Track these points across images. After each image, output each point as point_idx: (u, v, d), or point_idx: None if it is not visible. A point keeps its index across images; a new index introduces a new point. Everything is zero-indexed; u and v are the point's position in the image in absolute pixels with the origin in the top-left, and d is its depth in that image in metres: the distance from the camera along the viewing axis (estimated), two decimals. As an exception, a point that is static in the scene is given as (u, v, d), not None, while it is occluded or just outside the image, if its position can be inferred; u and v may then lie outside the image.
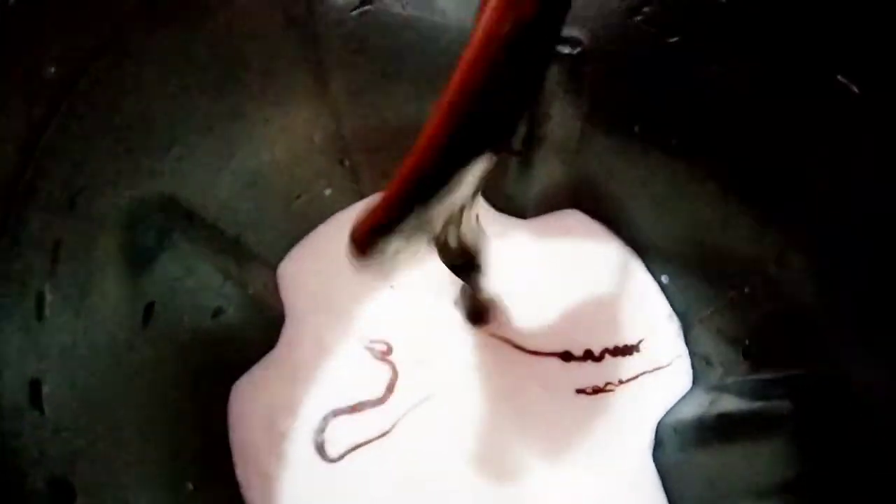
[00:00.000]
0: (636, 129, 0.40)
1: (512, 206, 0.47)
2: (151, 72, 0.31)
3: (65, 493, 0.25)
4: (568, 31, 0.36)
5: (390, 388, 0.41)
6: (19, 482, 0.23)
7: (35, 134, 0.26)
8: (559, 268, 0.46)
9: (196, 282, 0.36)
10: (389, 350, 0.42)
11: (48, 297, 0.27)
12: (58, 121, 0.27)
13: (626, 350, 0.43)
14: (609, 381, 0.42)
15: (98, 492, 0.27)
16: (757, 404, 0.36)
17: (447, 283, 0.41)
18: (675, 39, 0.34)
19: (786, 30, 0.29)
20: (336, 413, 0.41)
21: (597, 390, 0.42)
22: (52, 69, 0.26)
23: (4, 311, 0.25)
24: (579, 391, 0.42)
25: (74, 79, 0.27)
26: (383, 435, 0.40)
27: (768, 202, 0.35)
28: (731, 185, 0.37)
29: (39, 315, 0.26)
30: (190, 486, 0.35)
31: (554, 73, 0.39)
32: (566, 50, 0.37)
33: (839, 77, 0.28)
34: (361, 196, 0.48)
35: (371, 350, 0.42)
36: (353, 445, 0.40)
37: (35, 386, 0.25)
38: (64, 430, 0.26)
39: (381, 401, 0.41)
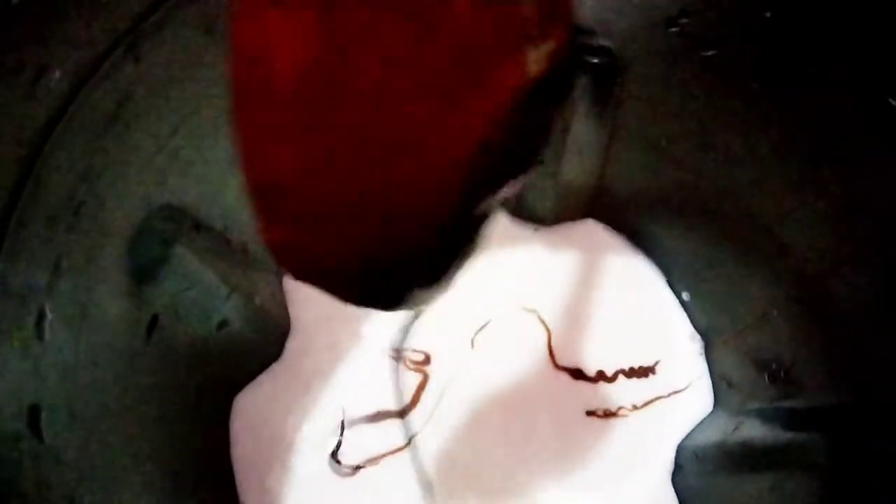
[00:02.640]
0: (663, 142, 0.38)
1: (529, 213, 0.45)
2: (158, 77, 0.29)
3: (65, 530, 0.24)
4: (599, 41, 0.35)
5: (414, 401, 0.40)
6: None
7: (37, 143, 0.24)
8: (575, 280, 0.44)
9: (201, 293, 0.35)
10: (427, 360, 0.41)
11: (48, 315, 0.25)
12: (61, 128, 0.25)
13: (641, 372, 0.42)
14: (622, 405, 0.40)
15: (100, 524, 0.25)
16: (785, 434, 0.35)
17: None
18: (711, 53, 0.32)
19: (835, 48, 0.28)
20: (351, 423, 0.39)
21: (608, 414, 0.40)
22: (57, 74, 0.24)
23: (2, 331, 0.23)
24: (590, 413, 0.40)
25: (80, 83, 0.26)
26: (398, 449, 0.39)
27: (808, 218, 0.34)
28: (762, 204, 0.36)
29: (39, 335, 0.25)
30: (192, 506, 0.33)
31: (581, 83, 0.37)
32: (595, 60, 0.36)
33: (891, 100, 0.27)
34: (371, 203, 0.46)
35: (399, 359, 0.41)
36: (368, 458, 0.39)
37: (34, 412, 0.24)
38: (65, 458, 0.25)
39: (400, 414, 0.39)
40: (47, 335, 0.25)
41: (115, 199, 0.28)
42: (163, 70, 0.28)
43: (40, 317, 0.25)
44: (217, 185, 0.35)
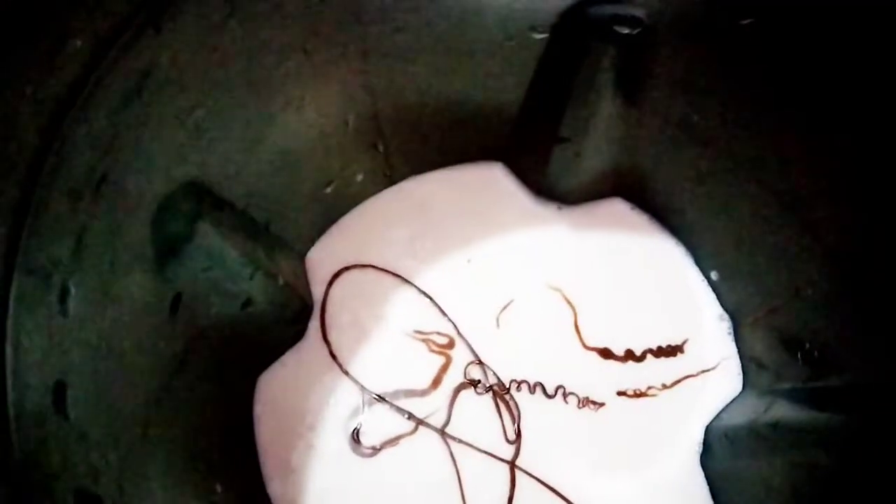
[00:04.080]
0: (695, 118, 0.37)
1: (554, 192, 0.44)
2: (182, 48, 0.28)
3: (92, 507, 0.24)
4: (628, 10, 0.34)
5: (436, 382, 0.39)
6: (44, 495, 0.22)
7: (58, 114, 0.24)
8: (601, 259, 0.43)
9: (225, 271, 0.34)
10: (451, 343, 0.40)
11: (72, 291, 0.25)
12: (82, 100, 0.25)
13: (669, 351, 0.41)
14: (651, 385, 0.40)
15: (125, 502, 0.25)
16: (816, 414, 0.34)
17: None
18: (748, 21, 0.31)
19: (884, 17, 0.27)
20: (374, 401, 0.39)
21: (638, 394, 0.40)
22: (78, 42, 0.24)
23: (27, 308, 0.23)
24: (620, 393, 0.40)
25: (100, 54, 0.25)
26: (419, 429, 0.39)
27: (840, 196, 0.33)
28: (798, 180, 0.34)
29: (63, 311, 0.24)
30: (218, 487, 0.33)
31: (609, 55, 0.36)
32: (625, 30, 0.35)
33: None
34: (392, 182, 0.46)
35: (423, 340, 0.40)
36: (389, 438, 0.38)
37: (60, 389, 0.24)
38: (90, 437, 0.24)
39: (424, 393, 0.39)
40: (71, 311, 0.25)
41: (138, 173, 0.28)
42: (184, 41, 0.28)
43: (64, 292, 0.25)
44: (240, 162, 0.35)
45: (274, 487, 0.37)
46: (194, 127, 0.31)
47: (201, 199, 0.32)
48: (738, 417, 0.38)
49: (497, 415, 0.39)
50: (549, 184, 0.44)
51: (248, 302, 0.37)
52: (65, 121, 0.24)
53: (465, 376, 0.40)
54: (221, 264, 0.34)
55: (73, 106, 0.24)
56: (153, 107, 0.28)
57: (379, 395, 0.39)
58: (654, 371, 0.40)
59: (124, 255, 0.28)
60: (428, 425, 0.39)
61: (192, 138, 0.31)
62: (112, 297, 0.27)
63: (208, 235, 0.33)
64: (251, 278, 0.36)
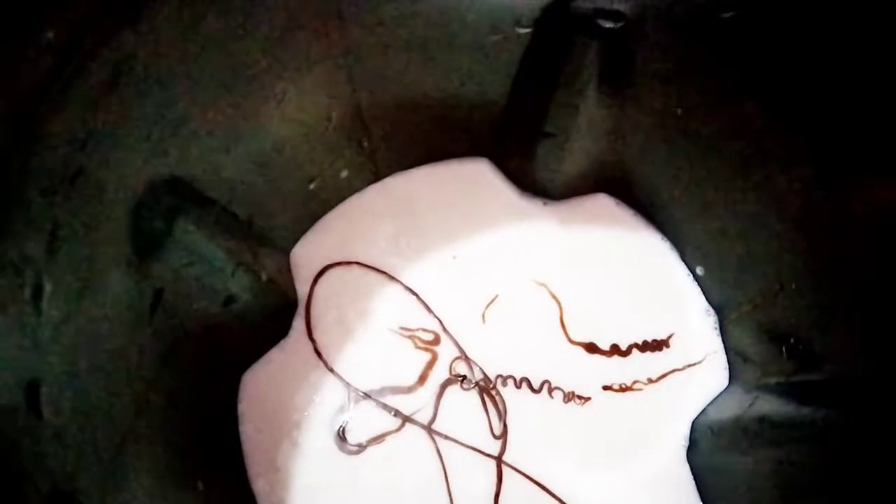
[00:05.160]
0: (679, 111, 0.37)
1: (539, 187, 0.44)
2: (159, 41, 0.28)
3: (67, 506, 0.23)
4: (611, 4, 0.34)
5: (423, 378, 0.39)
6: (18, 495, 0.21)
7: (31, 105, 0.23)
8: (586, 255, 0.43)
9: (207, 268, 0.34)
10: (437, 339, 0.40)
11: (46, 287, 0.25)
12: (56, 92, 0.24)
13: (655, 345, 0.41)
14: (637, 379, 0.40)
15: (103, 501, 0.25)
16: (803, 408, 0.34)
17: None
18: (729, 14, 0.31)
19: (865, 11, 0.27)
20: (359, 398, 0.39)
21: (624, 388, 0.40)
22: (50, 34, 0.23)
23: (-1, 304, 0.23)
24: (606, 388, 0.40)
25: (74, 45, 0.25)
26: (402, 427, 0.39)
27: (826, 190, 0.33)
28: (782, 175, 0.34)
29: (37, 308, 0.24)
30: (200, 485, 0.33)
31: (593, 49, 0.36)
32: (608, 24, 0.34)
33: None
34: (377, 179, 0.45)
35: (409, 337, 0.40)
36: (375, 435, 0.38)
37: (33, 387, 0.23)
38: (65, 436, 0.24)
39: (410, 390, 0.39)
40: (45, 308, 0.24)
41: (115, 168, 0.27)
42: (161, 34, 0.27)
43: (37, 290, 0.24)
44: (221, 157, 0.34)
45: (259, 485, 0.37)
46: (173, 121, 0.30)
47: (181, 194, 0.32)
48: (725, 412, 0.38)
49: (483, 410, 0.39)
50: (535, 179, 0.44)
51: (230, 299, 0.36)
52: (38, 113, 0.24)
53: (450, 372, 0.39)
54: (203, 261, 0.34)
55: (46, 98, 0.24)
56: (130, 100, 0.27)
57: (365, 393, 0.39)
58: (640, 365, 0.40)
59: (102, 252, 0.28)
60: (414, 422, 0.38)
61: (172, 133, 0.30)
62: (90, 295, 0.27)
63: (189, 231, 0.32)
64: (233, 275, 0.36)
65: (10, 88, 0.22)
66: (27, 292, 0.24)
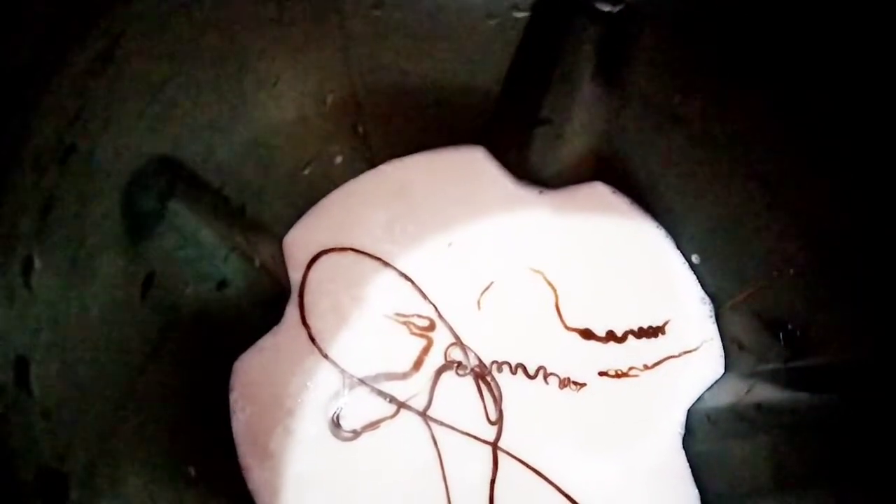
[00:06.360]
0: (677, 99, 0.37)
1: (535, 175, 0.44)
2: (152, 17, 0.27)
3: (57, 486, 0.23)
4: (611, -14, 0.33)
5: (418, 364, 0.39)
6: (6, 474, 0.21)
7: (23, 79, 0.23)
8: (582, 242, 0.43)
9: (199, 251, 0.34)
10: (432, 325, 0.40)
11: (37, 265, 0.24)
12: (48, 66, 0.24)
13: (651, 332, 0.41)
14: (633, 365, 0.40)
15: (93, 483, 0.24)
16: (799, 395, 0.34)
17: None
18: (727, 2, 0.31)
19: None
20: (354, 385, 0.38)
21: (620, 374, 0.39)
22: (43, 8, 0.23)
23: (-13, 279, 0.22)
24: (602, 374, 0.39)
25: (66, 21, 0.24)
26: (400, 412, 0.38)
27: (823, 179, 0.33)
28: (777, 163, 0.34)
29: (27, 283, 0.24)
30: (191, 470, 0.32)
31: (591, 34, 0.36)
32: (606, 8, 0.34)
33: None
34: (372, 165, 0.45)
35: (404, 323, 0.40)
36: (370, 422, 0.38)
37: (22, 364, 0.23)
38: (54, 415, 0.23)
39: (405, 376, 0.39)
40: (35, 285, 0.24)
41: (107, 146, 0.27)
42: (154, 10, 0.27)
43: (27, 266, 0.24)
44: (214, 140, 0.34)
45: (252, 472, 0.37)
46: (166, 101, 0.30)
47: (174, 176, 0.31)
48: (721, 399, 0.38)
49: (479, 396, 0.38)
50: (531, 167, 0.44)
51: (223, 284, 0.36)
52: (30, 88, 0.23)
53: (446, 358, 0.39)
54: (195, 244, 0.33)
55: (38, 72, 0.24)
56: (123, 77, 0.27)
57: (359, 379, 0.39)
58: (636, 352, 0.40)
59: (94, 231, 0.27)
60: (409, 408, 0.38)
61: (165, 113, 0.30)
62: (81, 274, 0.27)
63: (181, 214, 0.32)
64: (226, 260, 0.35)
65: (2, 62, 0.22)
66: (17, 267, 0.23)
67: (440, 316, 0.40)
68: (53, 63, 0.24)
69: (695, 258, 0.42)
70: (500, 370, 0.39)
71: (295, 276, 0.41)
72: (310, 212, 0.43)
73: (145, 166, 0.30)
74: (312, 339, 0.39)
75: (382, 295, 0.41)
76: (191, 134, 0.32)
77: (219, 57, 0.32)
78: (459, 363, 0.39)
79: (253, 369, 0.39)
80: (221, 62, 0.32)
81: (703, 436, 0.38)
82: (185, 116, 0.31)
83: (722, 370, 0.40)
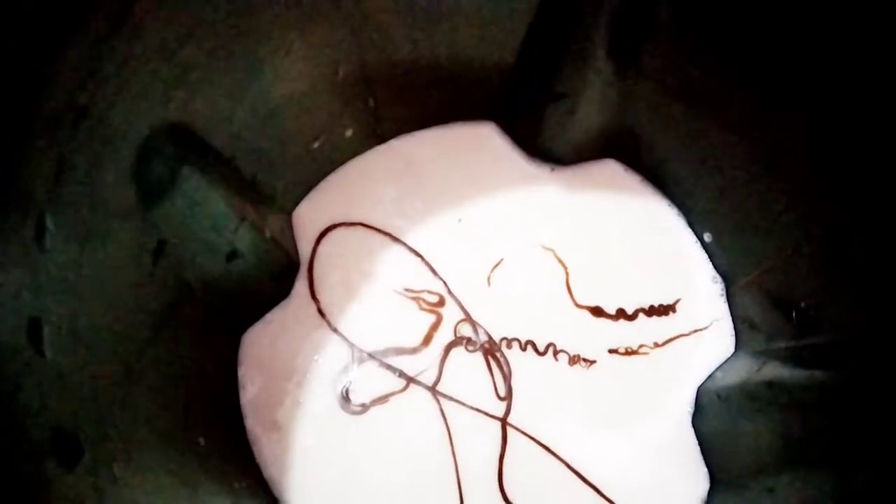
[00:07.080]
0: (691, 77, 0.37)
1: (546, 152, 0.44)
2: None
3: (70, 448, 0.23)
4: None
5: (427, 339, 0.39)
6: (20, 434, 0.21)
7: (37, 38, 0.22)
8: (593, 220, 0.43)
9: (211, 221, 0.33)
10: (441, 301, 0.40)
11: (50, 227, 0.24)
12: (63, 25, 0.24)
13: (661, 310, 0.40)
14: (643, 343, 0.39)
15: (105, 447, 0.24)
16: (810, 373, 0.34)
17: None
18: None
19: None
20: (363, 359, 0.38)
21: (630, 352, 0.39)
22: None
23: (1, 241, 0.22)
24: (612, 351, 0.39)
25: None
26: (407, 388, 0.38)
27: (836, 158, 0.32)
28: (790, 142, 0.34)
29: (40, 247, 0.23)
30: (202, 440, 0.32)
31: (606, 8, 0.35)
32: (624, -18, 0.34)
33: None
34: (381, 140, 0.45)
35: (414, 298, 0.39)
36: (379, 396, 0.38)
37: (35, 325, 0.23)
38: (67, 377, 0.23)
39: (414, 351, 0.38)
40: (48, 248, 0.24)
41: (120, 109, 0.26)
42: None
43: (40, 228, 0.23)
44: (226, 108, 0.34)
45: (260, 444, 0.37)
46: (180, 66, 0.29)
47: (186, 142, 0.31)
48: (731, 378, 0.38)
49: (488, 372, 0.38)
50: (542, 144, 0.44)
51: (233, 255, 0.36)
52: (44, 47, 0.23)
53: (455, 334, 0.39)
54: (206, 213, 0.33)
55: (52, 32, 0.23)
56: (138, 38, 0.26)
57: (369, 353, 0.39)
58: (646, 330, 0.39)
59: (106, 196, 0.27)
60: (419, 383, 0.38)
61: (178, 78, 0.30)
62: (92, 238, 0.26)
63: (192, 181, 0.32)
64: (236, 231, 0.35)
65: (16, 22, 0.22)
66: (30, 229, 0.23)
67: (450, 292, 0.40)
68: (68, 23, 0.24)
69: (707, 236, 0.42)
70: (509, 347, 0.39)
71: (304, 250, 0.41)
72: (319, 186, 0.43)
73: (158, 131, 0.29)
74: (322, 313, 0.39)
75: (392, 270, 0.41)
76: (204, 101, 0.32)
77: (233, 23, 0.31)
78: (469, 339, 0.39)
79: (262, 342, 0.39)
80: (236, 28, 0.32)
81: (713, 414, 0.38)
82: (198, 83, 0.31)
83: (732, 349, 0.39)
